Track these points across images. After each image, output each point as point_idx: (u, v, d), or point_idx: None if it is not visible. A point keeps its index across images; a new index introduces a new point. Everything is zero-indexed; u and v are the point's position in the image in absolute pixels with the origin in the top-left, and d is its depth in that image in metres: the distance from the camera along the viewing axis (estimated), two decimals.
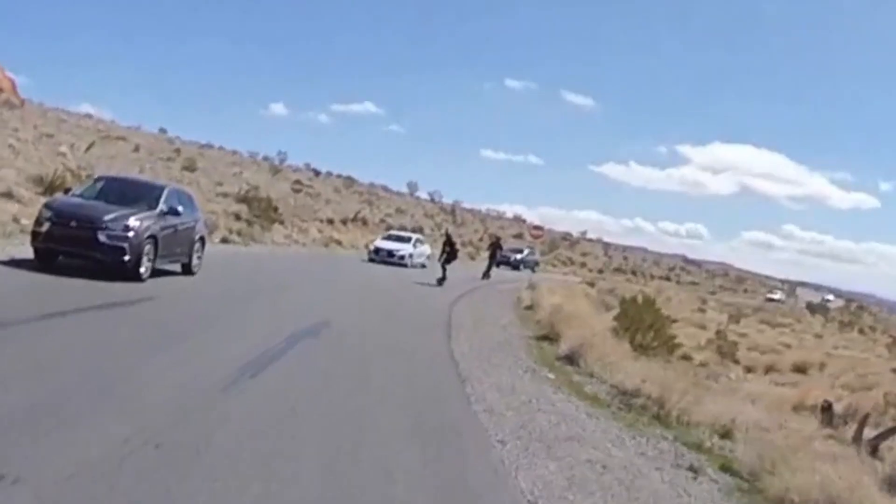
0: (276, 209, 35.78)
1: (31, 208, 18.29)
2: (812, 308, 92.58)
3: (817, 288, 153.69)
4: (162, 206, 13.82)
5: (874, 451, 11.01)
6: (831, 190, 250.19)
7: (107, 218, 12.57)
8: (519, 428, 7.04)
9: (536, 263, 53.80)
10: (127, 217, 12.76)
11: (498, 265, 38.36)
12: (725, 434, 9.20)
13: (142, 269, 12.83)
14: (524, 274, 44.12)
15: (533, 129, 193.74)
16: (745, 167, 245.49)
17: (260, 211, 34.68)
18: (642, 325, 17.81)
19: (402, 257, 33.56)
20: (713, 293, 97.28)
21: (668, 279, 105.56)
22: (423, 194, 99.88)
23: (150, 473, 4.38)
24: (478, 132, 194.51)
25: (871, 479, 7.53)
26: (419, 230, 56.27)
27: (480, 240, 67.53)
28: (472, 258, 52.14)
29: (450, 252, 25.66)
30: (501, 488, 5.32)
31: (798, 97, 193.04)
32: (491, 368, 10.19)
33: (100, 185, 14.55)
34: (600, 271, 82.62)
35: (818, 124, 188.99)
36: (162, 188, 14.88)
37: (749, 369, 23.54)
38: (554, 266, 72.37)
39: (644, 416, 9.23)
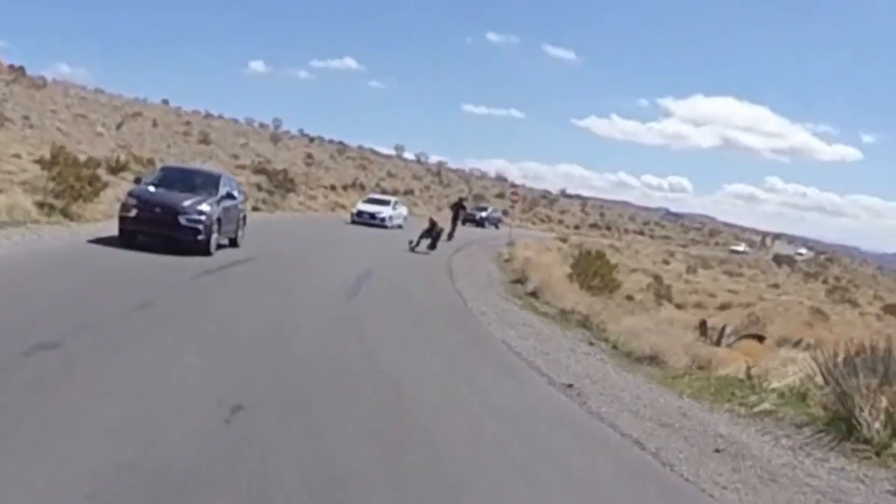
0: (291, 180, 41.56)
1: (115, 189, 21.75)
2: (779, 260, 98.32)
3: (791, 241, 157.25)
4: (221, 192, 16.66)
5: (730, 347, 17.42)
6: (814, 142, 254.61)
7: (185, 204, 15.20)
8: (497, 320, 13.47)
9: (500, 220, 58.47)
10: (200, 203, 15.45)
11: (464, 223, 41.31)
12: (627, 333, 15.47)
13: (211, 245, 15.58)
14: (490, 231, 49.14)
15: (515, 83, 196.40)
16: (728, 120, 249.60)
17: (278, 182, 40.46)
18: (590, 272, 24.10)
19: (382, 219, 36.40)
20: (685, 246, 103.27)
21: (641, 233, 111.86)
22: (409, 155, 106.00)
23: (342, 328, 10.57)
24: (459, 87, 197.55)
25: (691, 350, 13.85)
26: (410, 192, 62.02)
27: (466, 200, 73.57)
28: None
29: (433, 232, 26.85)
30: (489, 336, 11.85)
31: (780, 49, 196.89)
32: (481, 296, 16.55)
33: (164, 173, 17.33)
34: (577, 227, 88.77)
35: (800, 77, 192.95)
36: (218, 177, 17.88)
37: (679, 306, 29.91)
38: (533, 224, 78.48)
39: (573, 323, 15.45)
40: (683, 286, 40.76)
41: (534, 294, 18.79)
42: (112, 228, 15.86)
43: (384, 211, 37.64)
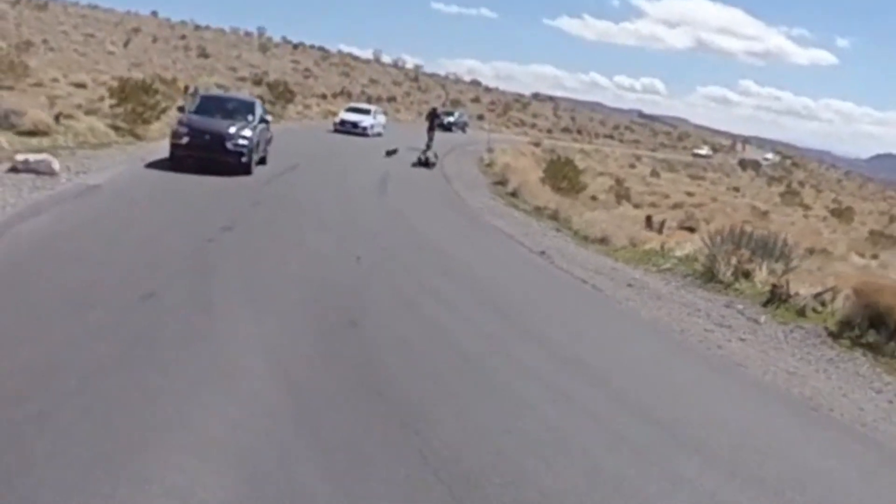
0: (291, 91, 45.22)
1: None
2: (744, 164, 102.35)
3: (762, 145, 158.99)
4: (257, 118, 18.61)
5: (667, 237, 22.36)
6: (789, 46, 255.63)
7: (231, 131, 17.09)
8: (487, 211, 18.44)
9: (466, 124, 61.52)
10: (243, 129, 17.39)
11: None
12: (586, 224, 20.40)
13: (252, 165, 17.50)
14: (459, 136, 51.41)
15: None
16: (702, 21, 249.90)
17: (278, 93, 44.10)
18: (559, 176, 28.89)
19: (364, 128, 37.63)
20: (653, 150, 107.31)
21: (611, 137, 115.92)
22: (387, 59, 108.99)
23: (388, 214, 15.33)
24: None
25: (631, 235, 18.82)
26: (392, 99, 65.57)
27: (444, 105, 77.42)
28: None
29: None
30: (487, 223, 16.80)
31: None
32: (474, 195, 21.41)
33: (202, 101, 19.36)
34: (549, 131, 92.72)
35: None
36: (252, 103, 19.84)
37: (637, 206, 34.89)
38: (507, 128, 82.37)
39: (545, 216, 20.28)
40: (644, 188, 45.46)
41: (513, 194, 23.56)
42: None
43: (365, 120, 38.77)
